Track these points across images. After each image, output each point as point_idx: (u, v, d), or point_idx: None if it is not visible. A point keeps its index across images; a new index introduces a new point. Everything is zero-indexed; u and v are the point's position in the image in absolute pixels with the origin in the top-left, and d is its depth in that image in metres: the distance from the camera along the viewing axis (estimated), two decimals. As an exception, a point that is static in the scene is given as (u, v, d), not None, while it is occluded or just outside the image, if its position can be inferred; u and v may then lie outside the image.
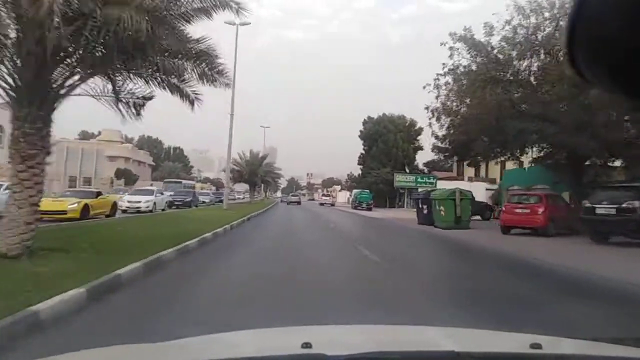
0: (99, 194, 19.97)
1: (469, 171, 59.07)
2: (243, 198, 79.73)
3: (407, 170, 54.12)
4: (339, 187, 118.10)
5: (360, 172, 64.63)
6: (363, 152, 62.95)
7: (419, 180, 50.73)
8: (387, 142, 56.21)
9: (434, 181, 50.73)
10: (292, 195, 68.73)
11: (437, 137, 22.56)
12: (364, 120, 61.72)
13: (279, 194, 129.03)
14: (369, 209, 45.23)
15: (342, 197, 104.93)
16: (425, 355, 1.34)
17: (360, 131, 61.83)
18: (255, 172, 47.53)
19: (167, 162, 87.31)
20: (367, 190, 48.26)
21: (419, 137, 59.44)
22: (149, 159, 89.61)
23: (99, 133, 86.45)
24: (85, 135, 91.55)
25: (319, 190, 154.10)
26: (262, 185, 70.41)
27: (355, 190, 51.09)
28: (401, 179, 50.66)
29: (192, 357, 1.43)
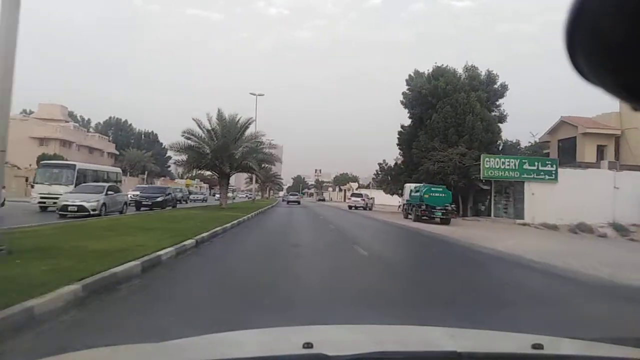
0: None
1: (587, 153, 36.27)
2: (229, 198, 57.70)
3: (502, 150, 31.52)
4: (355, 185, 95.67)
5: (401, 157, 42.14)
6: (405, 127, 40.62)
7: (526, 167, 28.14)
8: (455, 105, 33.66)
9: (554, 170, 28.18)
10: (291, 195, 63.26)
11: None
12: (409, 76, 39.22)
13: (281, 193, 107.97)
14: (446, 221, 22.88)
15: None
16: (426, 356, 1.34)
17: (404, 93, 39.27)
18: (226, 151, 25.21)
19: (131, 149, 65.27)
20: (441, 186, 25.26)
21: (499, 102, 36.93)
22: (108, 146, 67.83)
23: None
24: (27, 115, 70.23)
25: (330, 189, 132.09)
26: (254, 177, 48.14)
27: (411, 186, 28.17)
28: (493, 166, 28.14)
29: (194, 357, 1.41)
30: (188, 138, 25.79)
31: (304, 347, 1.22)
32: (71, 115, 75.33)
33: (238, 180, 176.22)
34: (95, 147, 63.78)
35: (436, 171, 30.37)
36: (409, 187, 28.24)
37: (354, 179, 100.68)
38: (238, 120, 26.95)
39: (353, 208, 43.33)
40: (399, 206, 28.36)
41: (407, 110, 39.41)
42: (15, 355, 3.25)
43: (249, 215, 21.30)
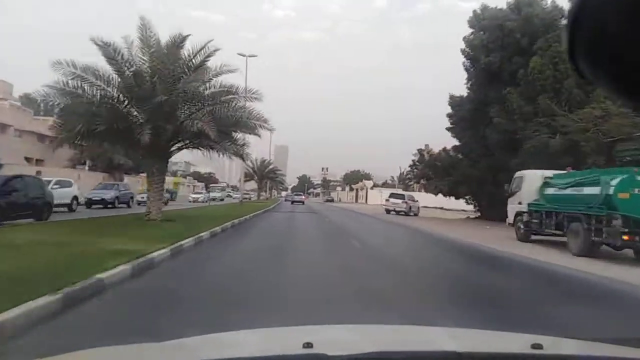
0: None
1: None
2: (201, 200, 43.36)
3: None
4: (370, 183, 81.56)
5: (461, 132, 28.49)
6: (456, 98, 27.44)
7: None
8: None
9: None
10: (296, 195, 61.28)
11: None
12: (474, 14, 25.27)
13: (284, 193, 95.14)
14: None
15: (375, 198, 68.76)
16: (426, 356, 1.33)
17: (467, 39, 25.53)
18: (149, 98, 11.39)
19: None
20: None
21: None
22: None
23: None
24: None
25: (339, 189, 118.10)
26: (242, 171, 34.26)
27: (544, 176, 13.62)
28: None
29: (193, 357, 1.41)
30: (73, 75, 11.99)
31: (304, 346, 1.19)
32: (27, 97, 61.84)
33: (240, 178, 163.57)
34: (47, 135, 50.24)
35: (558, 149, 16.44)
36: (532, 177, 13.89)
37: (367, 177, 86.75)
38: (181, 42, 13.08)
39: (392, 212, 32.03)
40: (518, 217, 14.00)
41: (469, 63, 25.65)
42: (15, 355, 3.10)
43: (168, 250, 7.65)
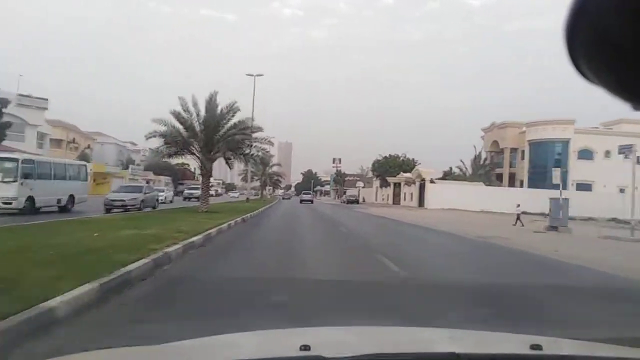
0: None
1: None
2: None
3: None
4: (430, 172, 49.93)
5: None
6: None
7: None
8: None
9: None
10: (304, 194, 58.14)
11: None
12: None
13: (281, 192, 66.18)
14: None
15: (442, 198, 38.61)
16: (425, 357, 1.32)
17: None
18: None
19: None
20: None
21: None
22: None
23: None
24: None
25: (360, 184, 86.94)
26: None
27: None
28: None
29: (192, 359, 1.42)
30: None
31: (301, 349, 1.19)
32: None
33: (233, 174, 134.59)
34: None
35: None
36: None
37: (411, 164, 55.32)
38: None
39: None
40: None
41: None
42: (16, 356, 3.22)
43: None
